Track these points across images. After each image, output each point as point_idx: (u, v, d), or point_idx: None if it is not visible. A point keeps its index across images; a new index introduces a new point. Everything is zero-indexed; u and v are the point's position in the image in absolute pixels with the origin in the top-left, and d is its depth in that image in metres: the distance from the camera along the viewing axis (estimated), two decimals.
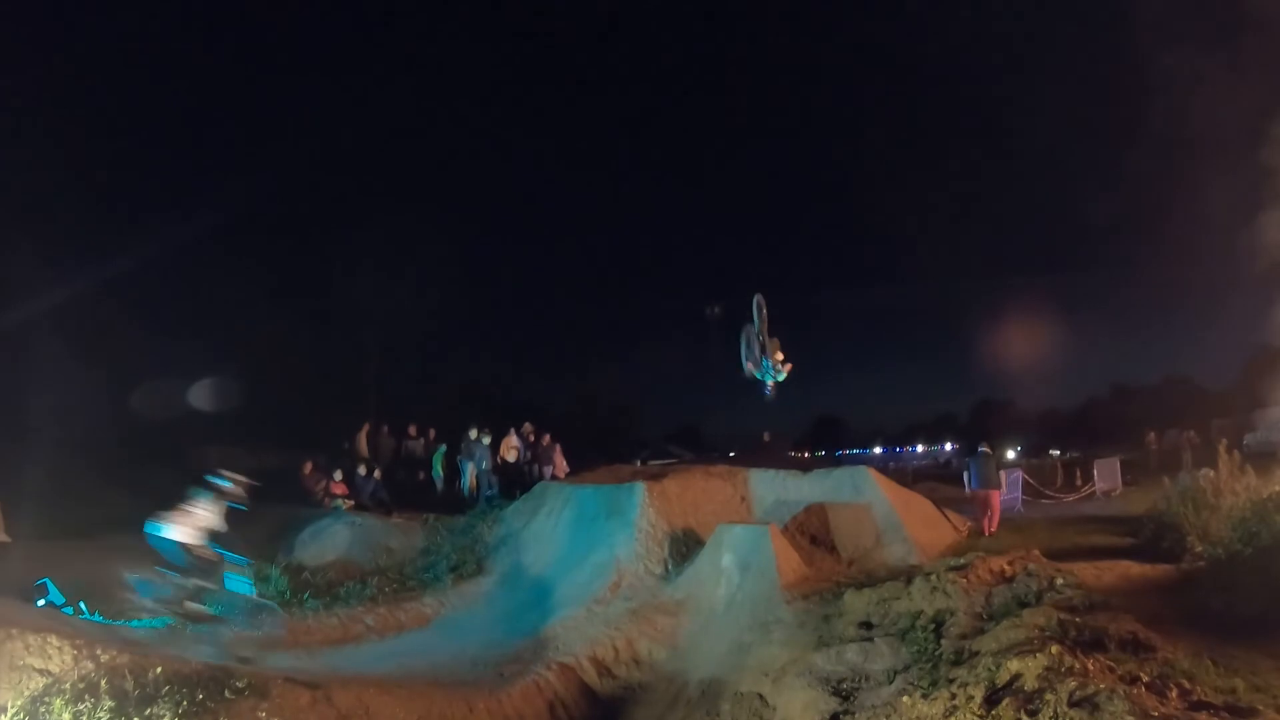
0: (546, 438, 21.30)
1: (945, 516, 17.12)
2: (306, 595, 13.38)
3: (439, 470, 20.74)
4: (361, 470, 19.09)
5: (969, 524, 17.27)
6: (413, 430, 22.12)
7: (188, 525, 11.36)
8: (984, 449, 18.27)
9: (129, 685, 7.59)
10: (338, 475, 18.63)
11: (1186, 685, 6.64)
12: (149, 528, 11.31)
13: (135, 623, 11.09)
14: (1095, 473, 23.78)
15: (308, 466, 18.85)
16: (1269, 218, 17.04)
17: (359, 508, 17.71)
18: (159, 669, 7.91)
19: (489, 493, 19.42)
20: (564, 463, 20.98)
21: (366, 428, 21.09)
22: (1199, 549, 11.89)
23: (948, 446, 61.77)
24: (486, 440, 20.06)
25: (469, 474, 20.05)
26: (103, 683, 7.55)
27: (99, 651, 8.04)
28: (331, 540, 15.43)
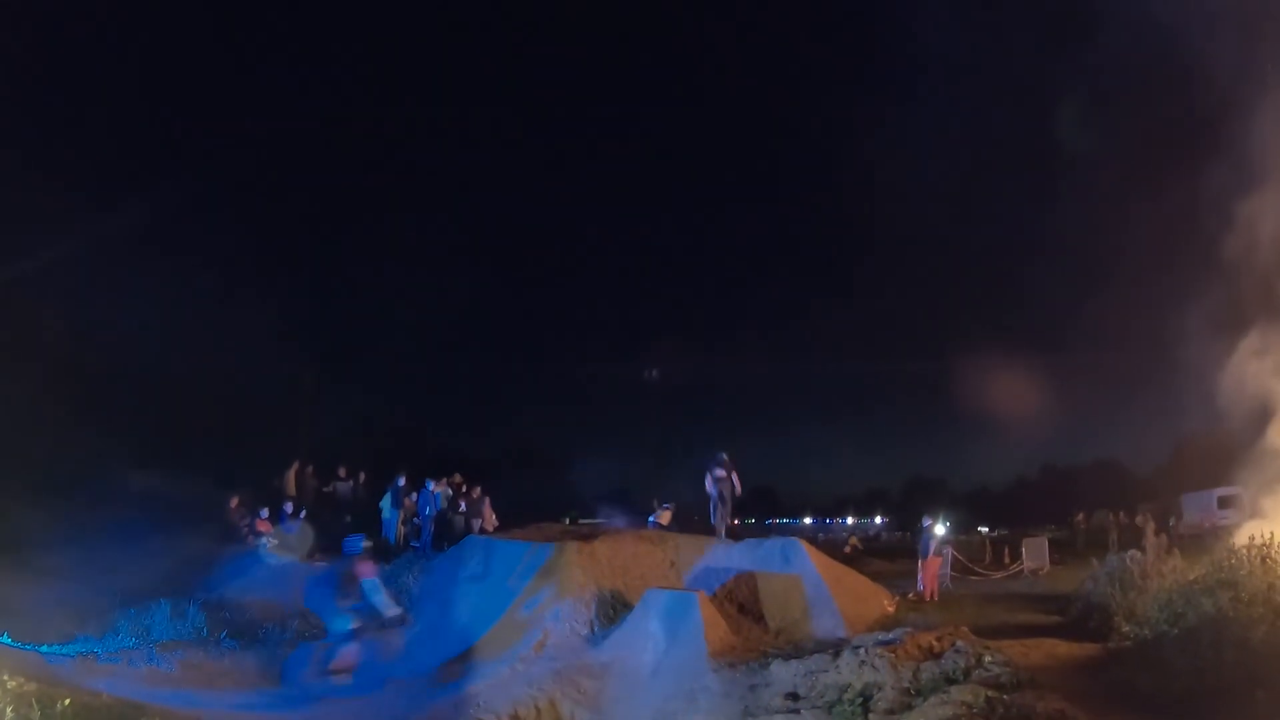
0: (476, 490, 21.00)
1: (875, 590, 17.16)
2: (224, 634, 12.99)
3: (388, 513, 20.27)
4: (288, 509, 18.70)
5: (897, 598, 17.36)
6: (342, 471, 21.71)
7: None
8: (929, 521, 19.86)
9: (35, 716, 7.31)
10: (264, 513, 18.19)
11: None
12: None
13: (46, 648, 10.72)
14: (1023, 551, 24.05)
15: (234, 501, 18.38)
16: (1196, 303, 17.45)
17: (283, 547, 17.31)
18: (67, 700, 7.61)
19: (425, 540, 19.10)
20: (493, 516, 20.71)
21: (295, 466, 20.68)
22: (1126, 629, 11.97)
23: (878, 520, 62.19)
24: (432, 487, 19.74)
25: (396, 522, 19.70)
26: (8, 710, 7.26)
27: (5, 678, 7.70)
28: (253, 579, 15.08)
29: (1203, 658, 9.27)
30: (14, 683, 7.69)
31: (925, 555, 19.05)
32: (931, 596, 18.19)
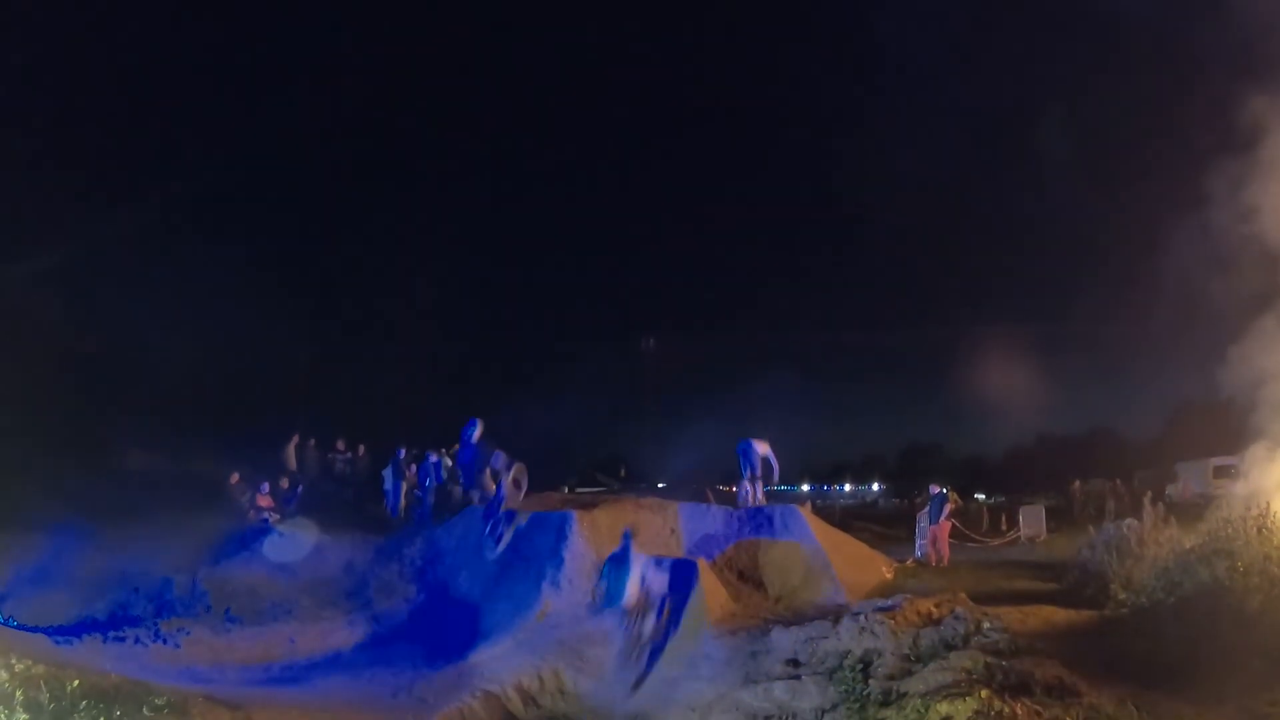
0: None
1: (873, 556, 17.26)
2: (228, 609, 13.01)
3: (390, 485, 20.24)
4: (284, 483, 18.73)
5: (896, 564, 17.46)
6: (340, 444, 21.70)
7: None
8: (938, 488, 20.08)
9: (44, 698, 7.28)
10: (265, 487, 18.22)
11: None
12: None
13: (52, 630, 10.76)
14: (1020, 518, 24.12)
15: (234, 477, 18.36)
16: (1193, 273, 17.43)
17: (285, 521, 17.36)
18: (76, 681, 7.60)
19: (425, 511, 19.12)
20: (494, 486, 20.64)
21: (295, 440, 20.66)
22: (1122, 596, 12.05)
23: (875, 487, 62.24)
24: (434, 458, 19.72)
25: (398, 494, 19.68)
26: (18, 693, 7.23)
27: (14, 661, 7.69)
28: (256, 554, 15.07)
29: (1199, 626, 9.38)
30: (22, 666, 7.68)
31: (935, 521, 19.25)
32: (940, 562, 18.37)
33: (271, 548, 15.09)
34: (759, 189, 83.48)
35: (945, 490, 20.04)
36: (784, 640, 10.78)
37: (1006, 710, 6.83)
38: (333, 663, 12.33)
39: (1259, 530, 10.74)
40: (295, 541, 15.53)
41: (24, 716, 7.01)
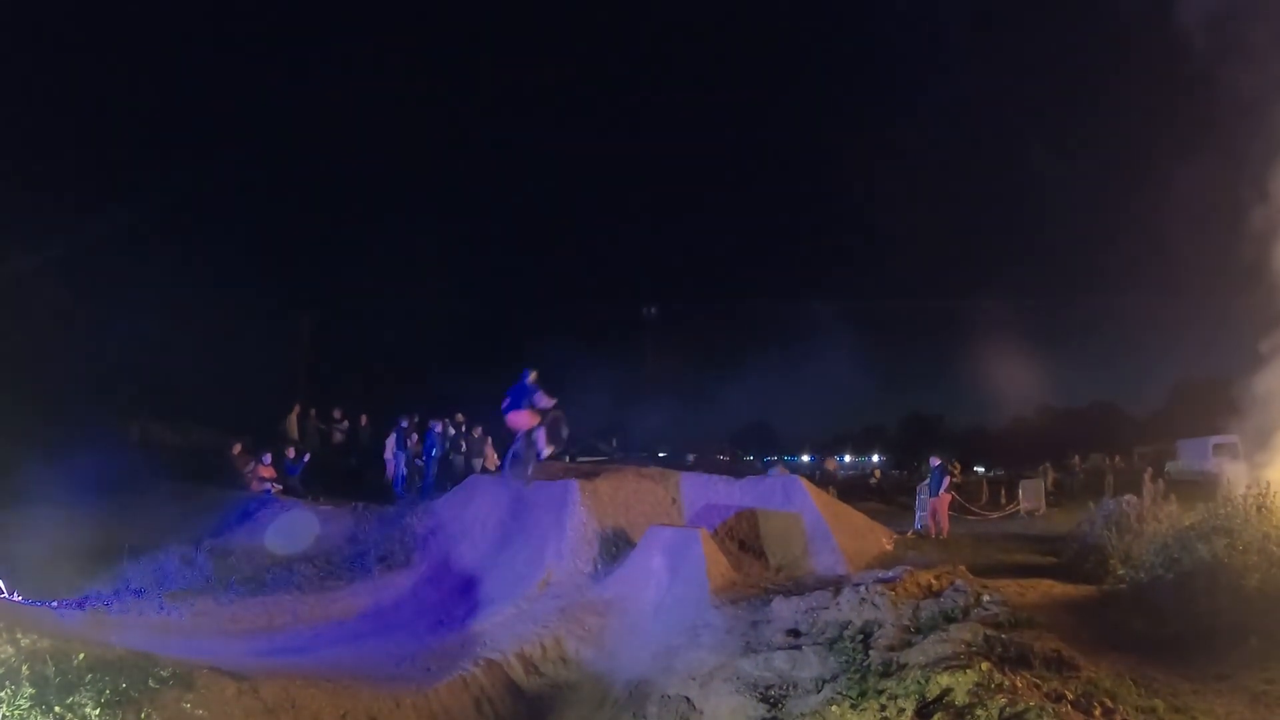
0: (478, 430, 21.05)
1: (873, 528, 17.32)
2: (233, 580, 13.05)
3: (392, 454, 20.30)
4: (290, 453, 18.81)
5: (896, 536, 17.53)
6: (338, 414, 21.75)
7: None
8: (938, 460, 20.02)
9: (50, 671, 7.24)
10: (267, 458, 18.31)
11: (1109, 704, 6.76)
12: None
13: (57, 604, 10.78)
14: (1020, 492, 24.18)
15: (236, 448, 18.46)
16: (1195, 253, 17.47)
17: (288, 492, 17.46)
18: (81, 655, 7.54)
19: (427, 481, 19.21)
20: (495, 456, 20.74)
21: (297, 410, 20.71)
22: (1121, 571, 12.13)
23: (875, 458, 62.47)
24: (438, 429, 19.78)
25: (401, 463, 19.75)
26: (23, 668, 7.17)
27: (19, 635, 7.63)
28: (259, 524, 15.14)
29: (1197, 603, 9.47)
30: (27, 640, 7.59)
31: (935, 494, 19.35)
32: (939, 534, 18.47)
33: (275, 534, 15.12)
34: (762, 160, 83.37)
35: (945, 462, 20.11)
36: (784, 610, 10.84)
37: (1006, 682, 6.89)
38: (336, 632, 12.39)
39: (1258, 508, 10.81)
40: (299, 526, 15.61)
41: (30, 690, 7.00)
